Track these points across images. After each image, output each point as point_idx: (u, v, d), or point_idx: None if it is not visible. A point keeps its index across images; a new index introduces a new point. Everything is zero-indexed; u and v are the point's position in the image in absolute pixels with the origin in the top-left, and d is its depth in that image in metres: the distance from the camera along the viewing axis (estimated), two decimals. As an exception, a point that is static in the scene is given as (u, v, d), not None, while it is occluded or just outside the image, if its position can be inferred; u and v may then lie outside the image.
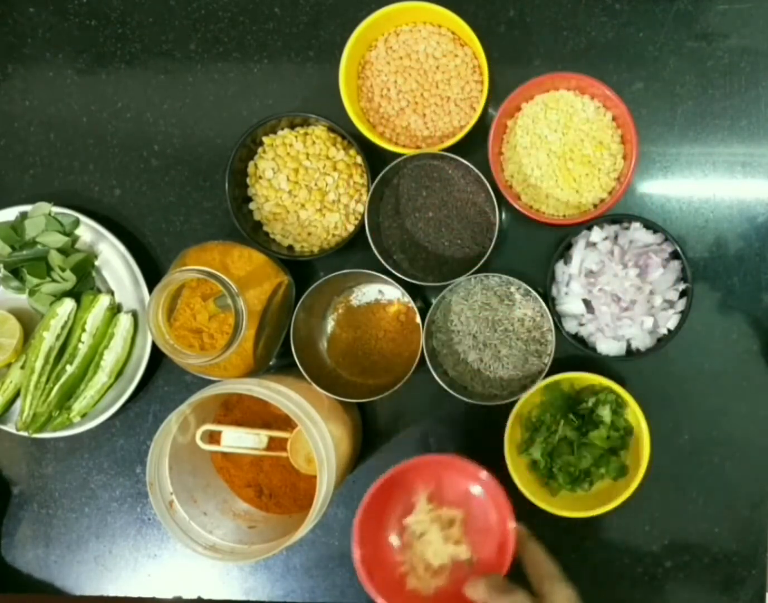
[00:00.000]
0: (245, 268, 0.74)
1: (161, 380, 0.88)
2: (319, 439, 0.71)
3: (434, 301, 0.78)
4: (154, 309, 0.69)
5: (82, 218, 0.84)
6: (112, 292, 0.85)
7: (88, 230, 0.85)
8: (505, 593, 0.62)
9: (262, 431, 0.78)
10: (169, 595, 0.89)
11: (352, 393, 0.79)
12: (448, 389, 0.77)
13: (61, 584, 0.90)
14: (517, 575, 0.65)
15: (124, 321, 0.83)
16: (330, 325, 0.85)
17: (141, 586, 0.89)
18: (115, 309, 0.85)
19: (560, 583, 0.64)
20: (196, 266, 0.68)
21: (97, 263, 0.85)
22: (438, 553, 0.71)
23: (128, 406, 0.86)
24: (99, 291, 0.85)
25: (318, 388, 0.77)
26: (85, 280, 0.85)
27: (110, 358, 0.83)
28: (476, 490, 0.72)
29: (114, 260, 0.85)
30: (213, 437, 0.79)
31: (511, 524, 0.67)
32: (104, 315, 0.83)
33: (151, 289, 0.79)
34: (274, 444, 0.79)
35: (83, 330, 0.82)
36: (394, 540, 0.72)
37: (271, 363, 0.79)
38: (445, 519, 0.72)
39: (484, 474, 0.69)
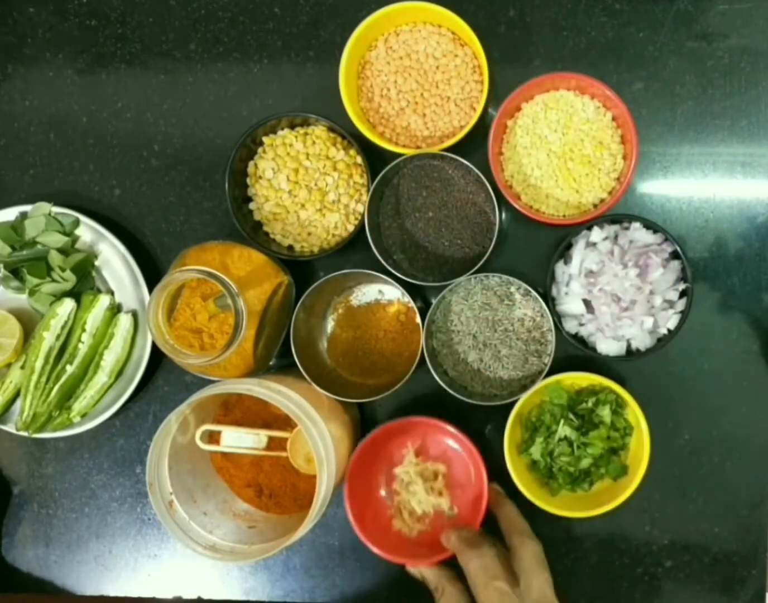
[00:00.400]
0: (245, 268, 0.74)
1: (161, 380, 0.88)
2: (319, 438, 0.71)
3: (434, 301, 0.78)
4: (154, 309, 0.69)
5: (82, 218, 0.84)
6: (112, 292, 0.85)
7: (88, 230, 0.85)
8: (473, 546, 0.69)
9: (261, 431, 0.78)
10: (169, 595, 0.89)
11: (352, 393, 0.79)
12: (448, 389, 0.77)
13: (61, 584, 0.90)
14: (493, 530, 0.72)
15: (124, 321, 0.83)
16: (330, 325, 0.85)
17: (141, 586, 0.90)
18: (115, 309, 0.85)
19: (529, 539, 0.70)
20: (196, 266, 0.68)
21: (97, 263, 0.85)
22: (422, 501, 0.81)
23: (128, 406, 0.86)
24: (99, 291, 0.85)
25: (318, 388, 0.77)
26: (85, 280, 0.85)
27: (110, 358, 0.83)
28: (458, 449, 0.81)
29: (114, 260, 0.85)
30: (213, 437, 0.79)
31: (486, 483, 0.76)
32: (104, 315, 0.83)
33: (151, 289, 0.79)
34: (273, 444, 0.79)
35: (83, 330, 0.82)
36: (384, 487, 0.82)
37: (271, 363, 0.79)
38: (430, 472, 0.82)
39: (463, 436, 0.77)
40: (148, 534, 0.89)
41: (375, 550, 0.76)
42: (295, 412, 0.70)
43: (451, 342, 0.80)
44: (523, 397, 0.76)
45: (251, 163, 0.81)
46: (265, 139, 0.81)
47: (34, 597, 0.91)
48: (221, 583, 0.89)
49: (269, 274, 0.76)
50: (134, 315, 0.84)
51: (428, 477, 0.82)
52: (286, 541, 0.70)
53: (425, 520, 0.81)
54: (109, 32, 0.88)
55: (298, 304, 0.78)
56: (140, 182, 0.88)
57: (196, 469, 0.78)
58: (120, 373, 0.84)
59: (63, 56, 0.88)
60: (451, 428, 0.78)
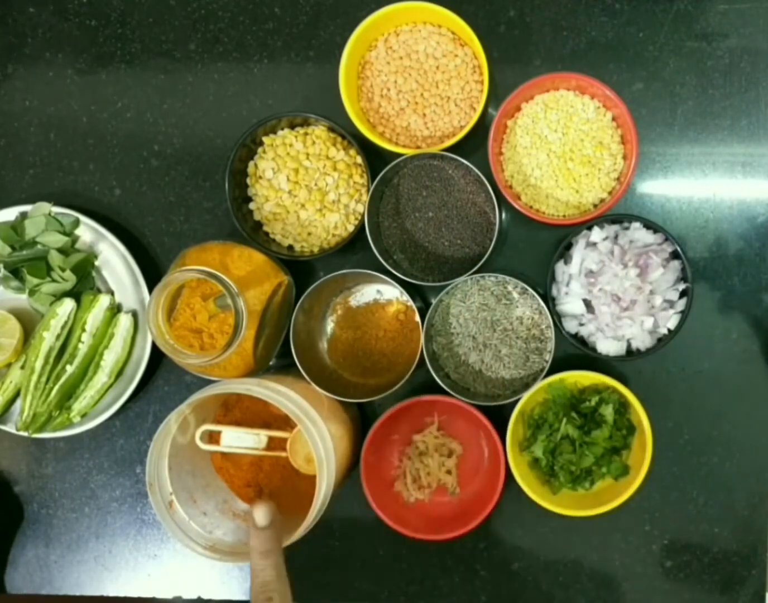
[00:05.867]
0: (245, 268, 0.74)
1: (161, 380, 0.88)
2: (319, 439, 0.71)
3: (432, 304, 0.78)
4: (154, 309, 0.69)
5: (82, 218, 0.84)
6: (112, 292, 0.85)
7: (88, 230, 0.85)
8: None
9: (261, 431, 0.78)
10: (169, 595, 0.89)
11: (352, 393, 0.79)
12: (450, 392, 0.77)
13: (61, 584, 0.90)
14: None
15: (124, 321, 0.83)
16: (330, 325, 0.85)
17: (141, 586, 0.90)
18: (115, 309, 0.85)
19: None
20: (196, 266, 0.68)
21: (97, 263, 0.85)
22: (430, 474, 0.83)
23: (128, 406, 0.86)
24: (99, 291, 0.85)
25: (318, 389, 0.77)
26: (85, 280, 0.84)
27: (110, 358, 0.83)
28: (479, 436, 0.83)
29: (114, 260, 0.85)
30: (212, 437, 0.79)
31: (503, 478, 0.76)
32: (104, 315, 0.83)
33: (151, 289, 0.79)
34: (273, 444, 0.79)
35: (83, 330, 0.82)
36: (398, 447, 0.84)
37: (271, 363, 0.79)
38: (446, 448, 0.84)
39: (488, 423, 0.77)
40: (148, 534, 0.89)
41: (370, 500, 0.77)
42: (295, 412, 0.70)
43: (451, 345, 0.80)
44: (526, 395, 0.76)
45: (251, 163, 0.81)
46: (265, 139, 0.81)
47: (34, 597, 0.91)
48: (221, 583, 0.89)
49: (269, 274, 0.76)
50: (134, 315, 0.84)
51: (443, 452, 0.83)
52: (286, 541, 0.70)
53: (426, 491, 0.83)
54: (109, 32, 0.88)
55: (297, 306, 0.78)
56: (140, 182, 0.88)
57: (196, 469, 0.78)
58: (120, 373, 0.84)
59: (63, 56, 0.88)
60: (479, 414, 0.77)
